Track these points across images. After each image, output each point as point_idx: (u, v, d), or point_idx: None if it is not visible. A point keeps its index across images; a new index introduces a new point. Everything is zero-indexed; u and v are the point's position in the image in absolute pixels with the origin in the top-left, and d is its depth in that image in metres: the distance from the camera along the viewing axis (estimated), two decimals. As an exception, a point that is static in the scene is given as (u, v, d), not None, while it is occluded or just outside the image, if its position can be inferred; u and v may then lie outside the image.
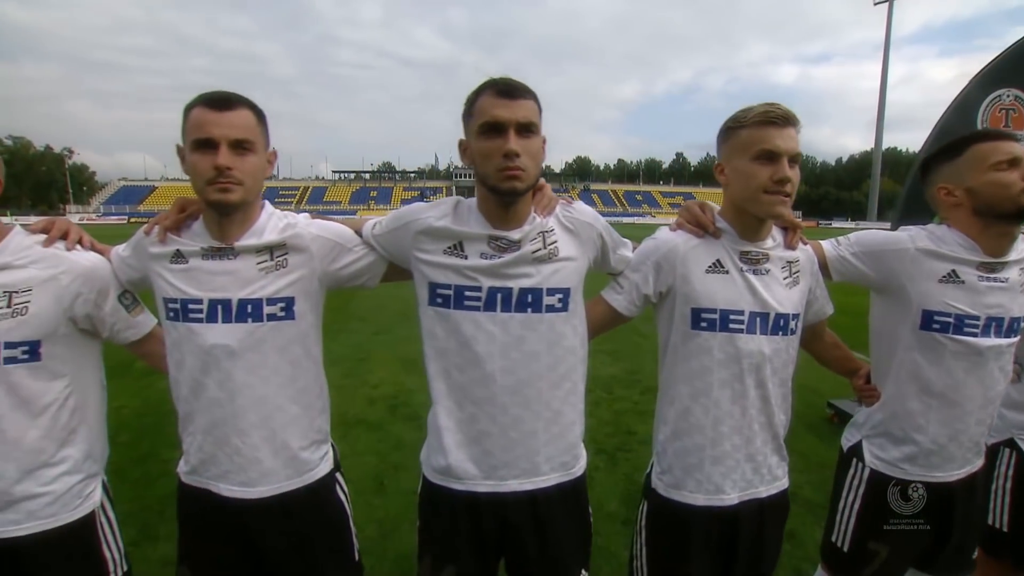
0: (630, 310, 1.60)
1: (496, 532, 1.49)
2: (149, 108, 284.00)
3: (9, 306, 1.38)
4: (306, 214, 1.58)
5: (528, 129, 1.34)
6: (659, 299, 1.59)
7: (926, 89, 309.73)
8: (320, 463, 1.57)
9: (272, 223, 1.49)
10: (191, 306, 1.43)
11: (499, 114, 1.31)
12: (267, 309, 1.44)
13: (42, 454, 1.43)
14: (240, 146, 1.37)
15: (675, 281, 1.53)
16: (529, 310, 1.41)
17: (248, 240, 1.45)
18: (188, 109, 1.40)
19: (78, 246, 1.52)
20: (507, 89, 1.33)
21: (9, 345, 1.37)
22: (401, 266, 1.58)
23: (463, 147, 1.43)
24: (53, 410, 1.44)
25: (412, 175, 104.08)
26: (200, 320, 1.43)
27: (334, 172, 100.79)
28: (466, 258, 1.43)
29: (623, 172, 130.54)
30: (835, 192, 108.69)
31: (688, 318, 1.51)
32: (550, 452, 1.47)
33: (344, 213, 68.12)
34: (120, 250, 1.58)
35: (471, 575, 1.52)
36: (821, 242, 1.71)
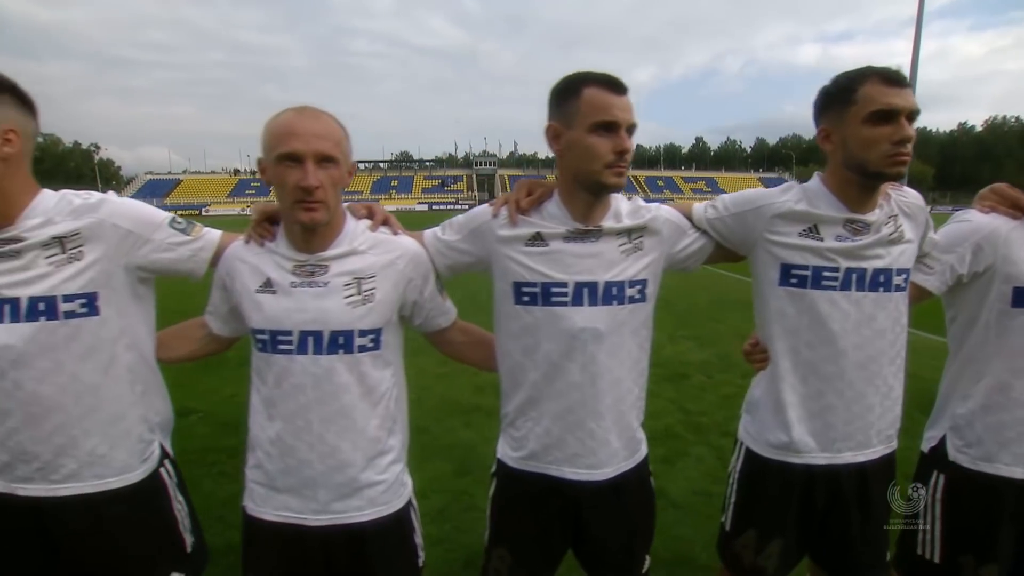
0: (940, 289, 1.64)
1: (825, 504, 1.56)
2: (168, 102, 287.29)
3: (359, 293, 1.42)
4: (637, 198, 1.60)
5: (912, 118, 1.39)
6: (971, 279, 1.63)
7: (956, 66, 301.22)
8: (642, 443, 1.64)
9: (626, 206, 1.53)
10: (555, 289, 1.45)
11: (894, 102, 1.36)
12: (628, 292, 1.48)
13: (379, 443, 1.48)
14: (631, 132, 1.41)
15: (996, 261, 1.57)
16: (881, 289, 1.47)
17: (611, 222, 1.49)
18: (581, 88, 1.39)
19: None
20: (897, 78, 1.38)
21: (362, 333, 1.42)
22: (732, 249, 1.63)
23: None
24: (386, 399, 1.49)
25: (430, 164, 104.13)
26: (565, 303, 1.45)
27: (357, 162, 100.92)
28: (822, 240, 1.48)
29: (642, 158, 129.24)
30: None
31: (1008, 297, 1.56)
32: (881, 425, 1.54)
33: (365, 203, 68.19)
34: (439, 234, 1.60)
35: (793, 548, 1.59)
36: None
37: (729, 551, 1.67)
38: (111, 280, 1.43)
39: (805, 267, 1.49)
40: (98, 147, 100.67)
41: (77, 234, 1.38)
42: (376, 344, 1.45)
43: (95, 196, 1.45)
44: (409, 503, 1.56)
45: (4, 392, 1.36)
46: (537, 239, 1.47)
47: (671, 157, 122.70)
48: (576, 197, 1.47)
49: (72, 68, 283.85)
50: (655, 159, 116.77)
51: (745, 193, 1.60)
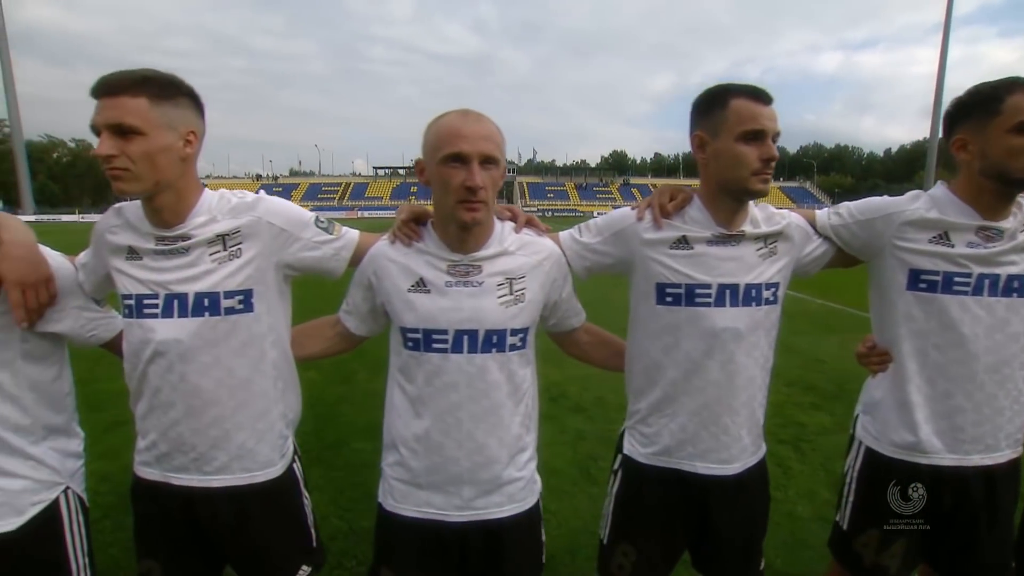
0: None
1: (951, 507, 1.58)
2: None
3: (511, 293, 1.47)
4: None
5: None
6: None
7: (985, 73, 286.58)
8: (763, 440, 1.69)
9: (760, 213, 1.59)
10: (698, 291, 1.52)
11: None
12: (764, 294, 1.55)
13: (520, 440, 1.52)
14: (775, 140, 1.47)
15: None
16: (1015, 295, 1.51)
17: (751, 227, 1.55)
18: (728, 100, 1.45)
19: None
20: None
21: (513, 332, 1.47)
22: (852, 255, 1.69)
23: None
24: (527, 397, 1.54)
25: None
26: (708, 304, 1.51)
27: (375, 168, 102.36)
28: (953, 246, 1.52)
29: (661, 166, 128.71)
30: (884, 184, 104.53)
31: None
32: (1010, 429, 1.57)
33: (386, 209, 69.15)
34: (577, 236, 1.66)
35: (915, 549, 1.62)
36: None
37: (847, 550, 1.70)
38: (264, 277, 1.48)
39: (935, 272, 1.53)
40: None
41: (238, 232, 1.45)
42: (523, 343, 1.50)
43: (250, 195, 1.52)
44: (539, 502, 1.60)
45: (170, 384, 1.43)
46: (682, 242, 1.54)
47: (691, 166, 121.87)
48: (720, 203, 1.53)
49: (100, 74, 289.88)
50: (674, 167, 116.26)
51: (872, 201, 1.65)
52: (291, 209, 1.55)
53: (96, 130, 1.32)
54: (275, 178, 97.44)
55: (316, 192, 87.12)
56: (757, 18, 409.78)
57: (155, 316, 1.41)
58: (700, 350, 1.52)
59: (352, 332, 1.64)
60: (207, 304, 1.42)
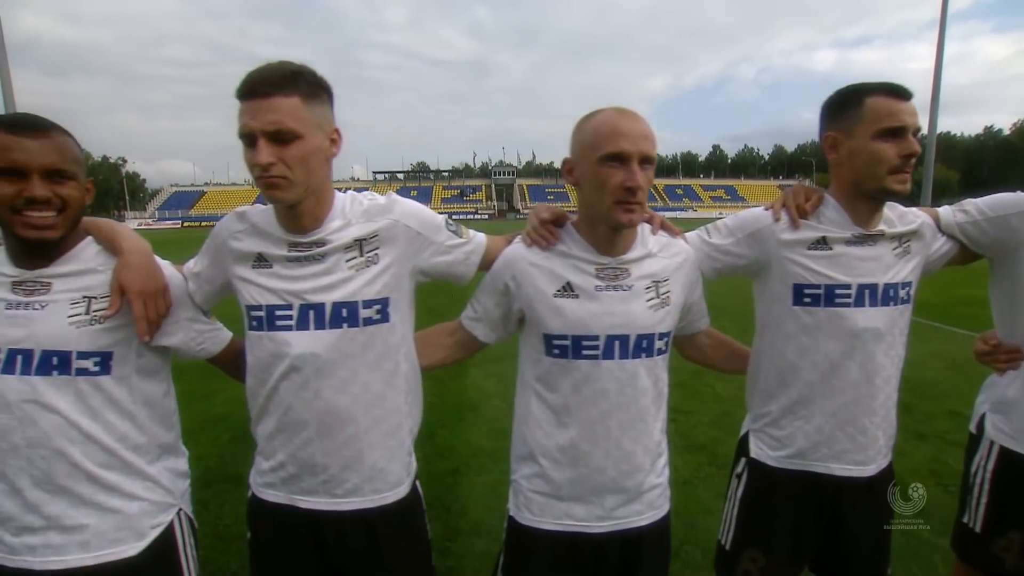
0: None
1: None
2: (188, 117, 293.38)
3: (658, 296, 1.42)
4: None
5: None
6: None
7: (980, 69, 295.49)
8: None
9: (894, 212, 1.57)
10: (838, 291, 1.49)
11: None
12: (900, 293, 1.53)
13: (659, 445, 1.49)
14: (916, 135, 1.45)
15: None
16: None
17: (888, 227, 1.52)
18: (864, 98, 1.42)
19: None
20: None
21: (660, 336, 1.43)
22: (977, 252, 1.66)
23: None
24: (665, 401, 1.50)
25: (446, 174, 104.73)
26: (848, 304, 1.48)
27: (374, 173, 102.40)
28: None
29: (660, 166, 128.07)
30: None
31: None
32: None
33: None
34: (706, 237, 1.62)
35: None
36: None
37: (982, 553, 1.66)
38: (400, 284, 1.40)
39: None
40: (124, 160, 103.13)
41: (375, 236, 1.36)
42: (667, 347, 1.47)
43: (381, 197, 1.43)
44: (671, 511, 1.55)
45: (303, 402, 1.32)
46: (821, 243, 1.51)
47: (689, 165, 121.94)
48: (857, 203, 1.50)
49: (97, 84, 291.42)
50: (673, 167, 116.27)
51: (1004, 197, 1.61)
52: (424, 211, 1.46)
53: (250, 136, 1.22)
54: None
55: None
56: (752, 18, 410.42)
57: (289, 328, 1.32)
58: (839, 351, 1.50)
59: (478, 340, 1.57)
60: (345, 314, 1.32)
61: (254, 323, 1.36)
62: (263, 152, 1.20)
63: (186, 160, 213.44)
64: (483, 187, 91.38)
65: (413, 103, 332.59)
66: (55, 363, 1.26)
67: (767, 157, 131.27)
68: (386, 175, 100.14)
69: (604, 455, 1.40)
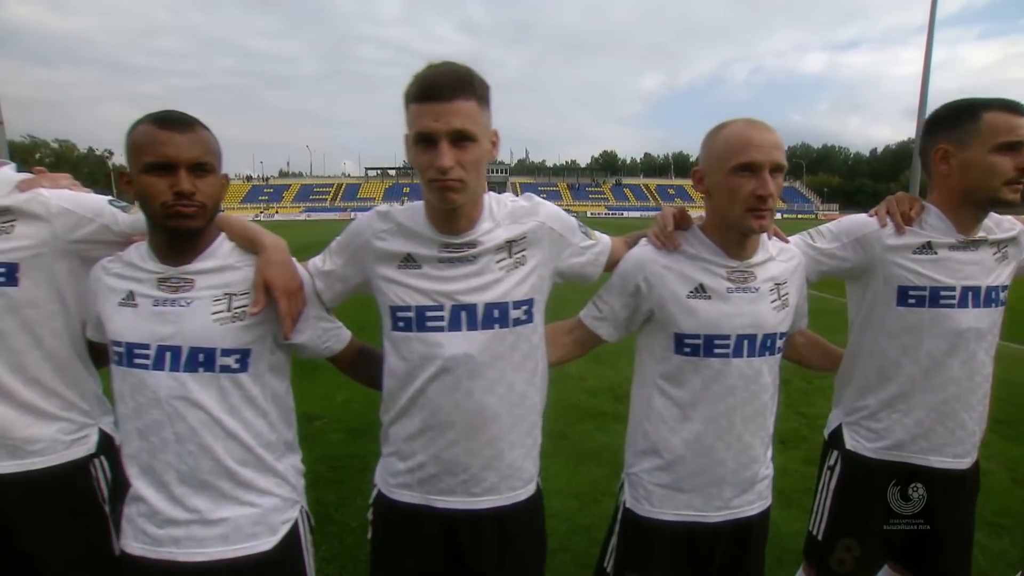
0: None
1: None
2: (179, 108, 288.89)
3: (779, 297, 1.51)
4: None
5: None
6: None
7: (965, 74, 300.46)
8: None
9: (991, 219, 1.64)
10: (943, 293, 1.57)
11: None
12: (1000, 295, 1.62)
13: (769, 438, 1.58)
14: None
15: None
16: None
17: (988, 234, 1.61)
18: (980, 112, 1.49)
19: None
20: None
21: (781, 336, 1.53)
22: None
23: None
24: (778, 396, 1.60)
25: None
26: (952, 305, 1.57)
27: (366, 169, 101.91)
28: None
29: (651, 166, 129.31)
30: (871, 184, 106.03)
31: None
32: None
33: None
34: (811, 241, 1.69)
35: None
36: None
37: None
38: (543, 285, 1.44)
39: None
40: (111, 153, 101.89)
41: (523, 238, 1.40)
42: (783, 345, 1.55)
43: (521, 199, 1.46)
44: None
45: (453, 403, 1.34)
46: (926, 248, 1.59)
47: (681, 165, 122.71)
48: (963, 211, 1.59)
49: (85, 75, 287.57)
50: (664, 167, 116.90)
51: None
52: (562, 213, 1.51)
53: (430, 138, 1.23)
54: (266, 179, 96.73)
55: (308, 193, 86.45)
56: (745, 18, 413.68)
57: (440, 329, 1.34)
58: (942, 349, 1.58)
59: (600, 338, 1.62)
60: (496, 315, 1.35)
61: (400, 324, 1.37)
62: (447, 155, 1.22)
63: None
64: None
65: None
66: (201, 360, 1.30)
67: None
68: (378, 171, 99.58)
69: (726, 448, 1.48)
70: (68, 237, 1.44)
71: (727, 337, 1.44)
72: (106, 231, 1.47)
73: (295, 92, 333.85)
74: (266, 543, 1.37)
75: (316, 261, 1.50)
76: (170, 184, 1.23)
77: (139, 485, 1.33)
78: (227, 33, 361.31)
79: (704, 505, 1.50)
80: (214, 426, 1.31)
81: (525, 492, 1.46)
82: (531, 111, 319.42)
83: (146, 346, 1.29)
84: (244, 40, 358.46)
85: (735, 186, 1.37)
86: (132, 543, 1.35)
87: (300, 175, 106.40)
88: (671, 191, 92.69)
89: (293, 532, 1.43)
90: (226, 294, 1.33)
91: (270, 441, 1.40)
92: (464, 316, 1.33)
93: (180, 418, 1.29)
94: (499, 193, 1.46)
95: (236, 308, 1.33)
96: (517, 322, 1.37)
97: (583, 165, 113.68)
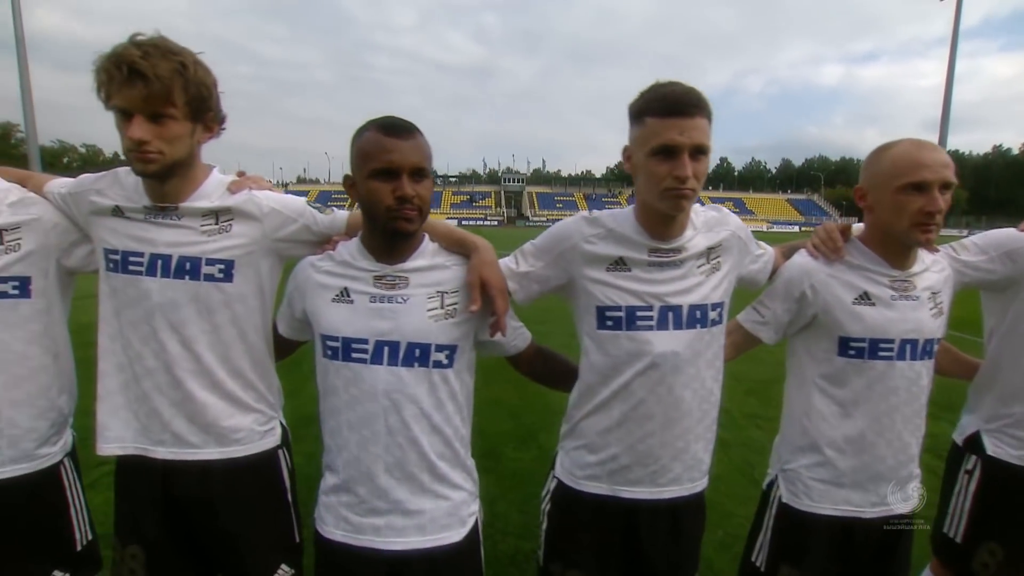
0: None
1: None
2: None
3: (935, 305, 1.61)
4: None
5: None
6: None
7: (989, 87, 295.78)
8: None
9: None
10: None
11: None
12: None
13: (923, 439, 1.66)
14: None
15: None
16: None
17: None
18: None
19: None
20: None
21: (936, 341, 1.62)
22: None
23: None
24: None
25: (454, 179, 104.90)
26: None
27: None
28: None
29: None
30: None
31: None
32: None
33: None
34: (954, 254, 1.73)
35: None
36: None
37: None
38: (730, 290, 1.58)
39: None
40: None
41: (719, 246, 1.53)
42: (936, 351, 1.64)
43: (711, 209, 1.58)
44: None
45: (657, 397, 1.45)
46: None
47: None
48: None
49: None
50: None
51: None
52: (743, 224, 1.62)
53: (674, 151, 1.32)
54: (285, 185, 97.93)
55: (327, 199, 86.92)
56: (760, 29, 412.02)
57: (649, 328, 1.44)
58: None
59: (760, 341, 1.71)
60: (698, 316, 1.46)
61: (609, 323, 1.47)
62: (688, 167, 1.32)
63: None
64: (492, 193, 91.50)
65: (419, 107, 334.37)
66: (417, 355, 1.37)
67: (774, 171, 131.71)
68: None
69: (886, 445, 1.56)
70: (274, 236, 1.53)
71: (891, 341, 1.54)
72: (306, 231, 1.56)
73: (311, 99, 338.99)
74: (456, 534, 1.44)
75: (508, 262, 1.56)
76: (393, 189, 1.31)
77: (344, 475, 1.41)
78: (245, 41, 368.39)
79: (862, 501, 1.58)
80: (423, 420, 1.38)
81: (701, 484, 1.57)
82: (544, 120, 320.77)
83: (364, 340, 1.37)
84: (261, 47, 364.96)
85: (903, 203, 1.46)
86: (333, 530, 1.42)
87: (317, 181, 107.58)
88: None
89: (476, 525, 1.51)
90: (438, 292, 1.41)
91: (463, 436, 1.49)
92: (671, 316, 1.43)
93: (395, 411, 1.36)
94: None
95: (448, 305, 1.41)
96: (713, 323, 1.48)
97: (598, 175, 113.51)
